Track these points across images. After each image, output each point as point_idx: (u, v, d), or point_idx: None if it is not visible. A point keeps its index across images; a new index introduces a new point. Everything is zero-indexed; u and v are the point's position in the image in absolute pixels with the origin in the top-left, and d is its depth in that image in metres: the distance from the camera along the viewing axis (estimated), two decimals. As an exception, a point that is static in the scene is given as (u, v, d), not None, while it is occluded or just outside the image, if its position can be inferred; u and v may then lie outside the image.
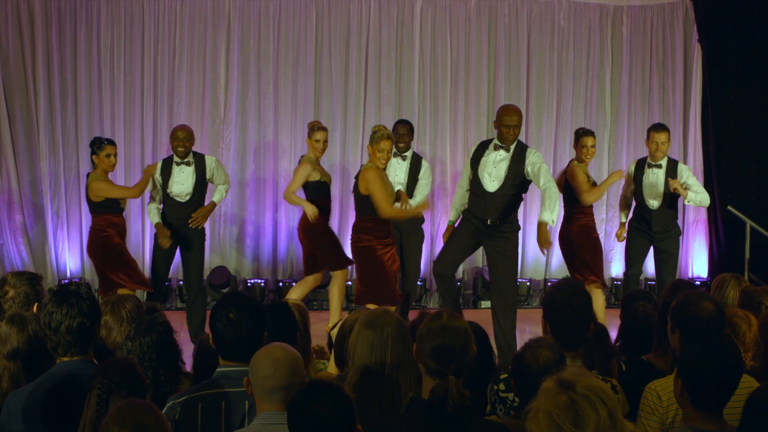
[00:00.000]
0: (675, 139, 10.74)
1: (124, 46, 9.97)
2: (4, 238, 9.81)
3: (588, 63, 10.72)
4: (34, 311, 4.17)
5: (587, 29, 10.72)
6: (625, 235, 8.50)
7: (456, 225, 7.61)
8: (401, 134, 8.33)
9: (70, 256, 9.95)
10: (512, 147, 7.23)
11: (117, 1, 9.93)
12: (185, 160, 8.05)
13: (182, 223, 8.07)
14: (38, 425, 3.37)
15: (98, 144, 7.81)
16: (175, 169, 8.07)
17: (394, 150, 8.15)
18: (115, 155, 7.88)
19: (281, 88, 10.23)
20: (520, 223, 10.50)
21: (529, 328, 8.87)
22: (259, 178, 10.27)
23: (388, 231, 7.23)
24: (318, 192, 7.91)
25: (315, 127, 8.00)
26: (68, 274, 9.91)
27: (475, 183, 7.33)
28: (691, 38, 10.78)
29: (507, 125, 7.17)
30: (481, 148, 7.39)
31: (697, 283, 10.14)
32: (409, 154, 8.38)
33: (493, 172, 7.24)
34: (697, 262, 10.82)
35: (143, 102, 10.05)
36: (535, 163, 7.10)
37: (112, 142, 7.90)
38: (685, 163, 10.75)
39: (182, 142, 8.00)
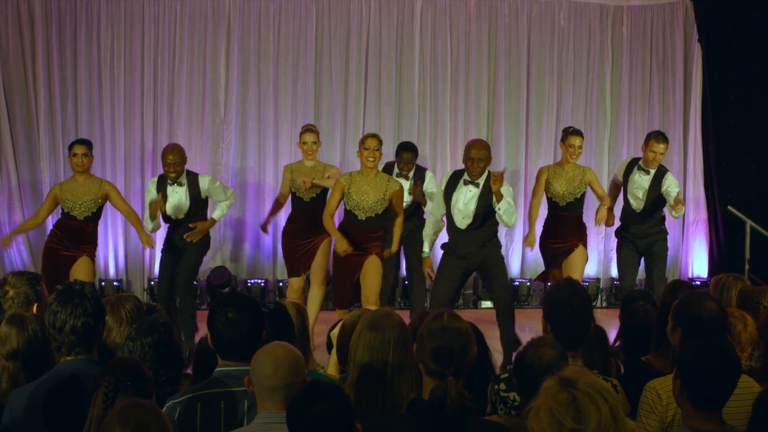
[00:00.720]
0: (675, 140, 10.74)
1: (124, 46, 9.97)
2: (4, 238, 9.82)
3: (588, 63, 10.72)
4: (34, 311, 4.17)
5: (587, 29, 10.71)
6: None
7: (441, 259, 7.59)
8: (406, 161, 8.34)
9: (70, 256, 9.95)
10: (482, 182, 7.22)
11: (117, 2, 9.94)
12: (177, 180, 7.81)
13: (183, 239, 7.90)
14: (40, 424, 3.38)
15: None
16: (168, 189, 7.82)
17: (397, 170, 8.34)
18: (84, 154, 7.72)
19: (281, 88, 10.23)
20: (520, 226, 10.57)
21: (529, 328, 8.87)
22: (259, 178, 10.28)
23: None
24: (291, 197, 8.16)
25: (301, 129, 8.15)
26: (68, 274, 9.91)
27: (449, 217, 7.42)
28: (692, 38, 10.77)
29: (471, 158, 7.15)
30: (453, 182, 7.38)
31: (697, 283, 10.15)
32: (411, 172, 8.40)
33: (463, 210, 7.27)
34: (697, 262, 10.82)
35: (143, 102, 10.05)
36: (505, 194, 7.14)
37: (79, 141, 7.85)
38: (684, 163, 10.78)
39: (173, 168, 7.73)
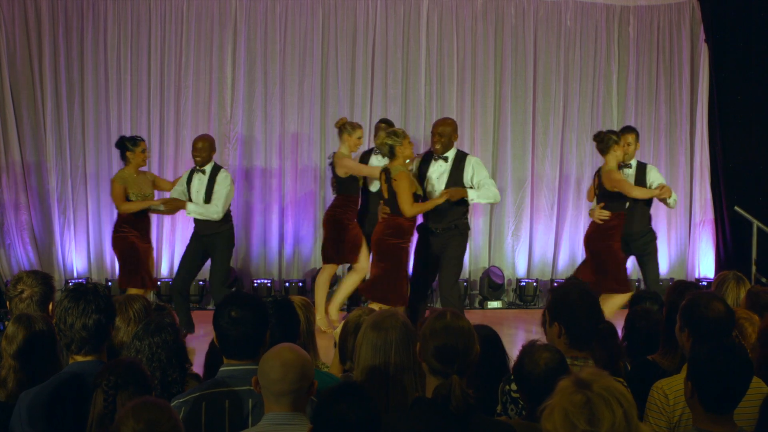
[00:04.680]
0: (681, 140, 10.74)
1: (130, 47, 9.99)
2: (12, 237, 9.83)
3: (595, 63, 10.71)
4: (50, 310, 4.19)
5: (594, 29, 10.70)
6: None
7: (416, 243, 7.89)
8: None
9: (76, 256, 9.97)
10: (451, 157, 7.65)
11: (124, 2, 9.95)
12: (202, 168, 8.22)
13: (206, 232, 8.23)
14: (49, 426, 3.38)
15: (133, 141, 8.05)
16: (194, 176, 8.28)
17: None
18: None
19: (288, 88, 10.23)
20: (526, 228, 10.58)
21: (535, 329, 8.85)
22: (266, 178, 10.28)
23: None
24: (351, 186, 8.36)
25: (357, 126, 8.49)
26: (75, 275, 9.93)
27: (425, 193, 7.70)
28: (698, 39, 10.76)
29: (432, 132, 7.67)
30: (426, 159, 7.77)
31: (704, 283, 10.13)
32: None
33: (436, 185, 7.63)
34: (703, 263, 10.81)
35: (150, 102, 10.06)
36: (476, 170, 7.59)
37: (142, 139, 8.21)
38: (691, 163, 10.77)
39: (199, 152, 8.19)
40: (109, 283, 9.76)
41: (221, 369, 3.36)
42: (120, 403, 3.03)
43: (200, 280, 9.58)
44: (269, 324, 3.42)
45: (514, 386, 3.67)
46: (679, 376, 3.56)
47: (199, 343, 7.83)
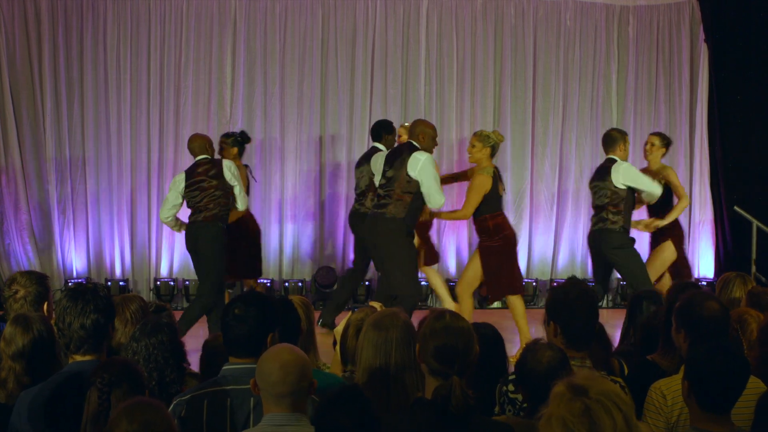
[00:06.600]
0: (681, 140, 10.74)
1: (130, 46, 9.99)
2: (11, 237, 9.83)
3: (594, 63, 10.71)
4: (45, 310, 4.18)
5: (593, 29, 10.70)
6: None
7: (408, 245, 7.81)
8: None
9: (76, 256, 9.96)
10: None
11: (123, 2, 9.95)
12: None
13: None
14: (48, 425, 3.38)
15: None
16: None
17: None
18: None
19: (287, 88, 10.23)
20: (526, 228, 10.57)
21: (535, 328, 8.83)
22: (265, 178, 10.27)
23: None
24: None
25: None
26: (74, 274, 9.92)
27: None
28: (698, 38, 10.76)
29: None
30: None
31: (703, 283, 10.12)
32: None
33: None
34: (703, 263, 10.80)
35: (149, 102, 10.05)
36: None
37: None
38: (691, 163, 10.76)
39: None
40: (109, 283, 9.76)
41: (224, 367, 3.36)
42: (114, 400, 3.03)
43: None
44: (275, 325, 3.41)
45: (511, 387, 3.66)
46: (678, 377, 3.56)
47: (199, 343, 7.81)
